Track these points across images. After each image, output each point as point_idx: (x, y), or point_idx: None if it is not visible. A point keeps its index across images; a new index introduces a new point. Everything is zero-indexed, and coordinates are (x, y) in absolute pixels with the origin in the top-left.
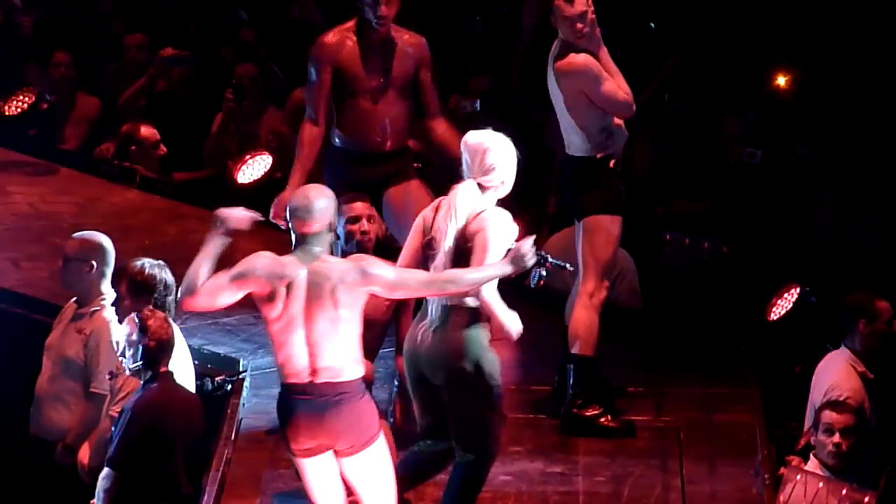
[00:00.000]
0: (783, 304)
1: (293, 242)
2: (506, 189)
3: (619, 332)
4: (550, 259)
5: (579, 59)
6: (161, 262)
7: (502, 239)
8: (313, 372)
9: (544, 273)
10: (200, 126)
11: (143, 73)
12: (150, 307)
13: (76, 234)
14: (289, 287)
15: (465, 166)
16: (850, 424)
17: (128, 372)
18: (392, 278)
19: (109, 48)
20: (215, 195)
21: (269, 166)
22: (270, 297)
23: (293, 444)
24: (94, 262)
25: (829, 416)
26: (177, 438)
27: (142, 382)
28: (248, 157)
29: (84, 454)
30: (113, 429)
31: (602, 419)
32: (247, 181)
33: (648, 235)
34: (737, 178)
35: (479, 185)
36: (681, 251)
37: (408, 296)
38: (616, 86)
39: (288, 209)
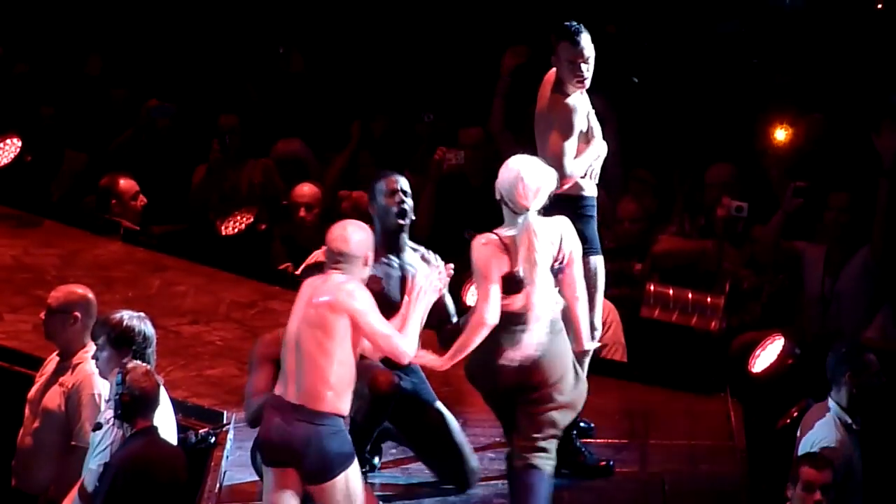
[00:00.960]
0: (766, 356)
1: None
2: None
3: (604, 384)
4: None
5: (568, 104)
6: (141, 314)
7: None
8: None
9: None
10: (182, 177)
11: (125, 125)
12: (136, 360)
13: (59, 287)
14: None
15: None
16: (830, 482)
17: (114, 424)
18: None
19: (95, 102)
20: (198, 247)
21: (251, 220)
22: None
23: (263, 450)
24: (77, 314)
25: (808, 472)
26: (161, 493)
27: (125, 436)
28: (237, 213)
29: None
30: (97, 484)
31: None
32: (231, 233)
33: (632, 287)
34: (723, 230)
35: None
36: (664, 303)
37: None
38: (574, 149)
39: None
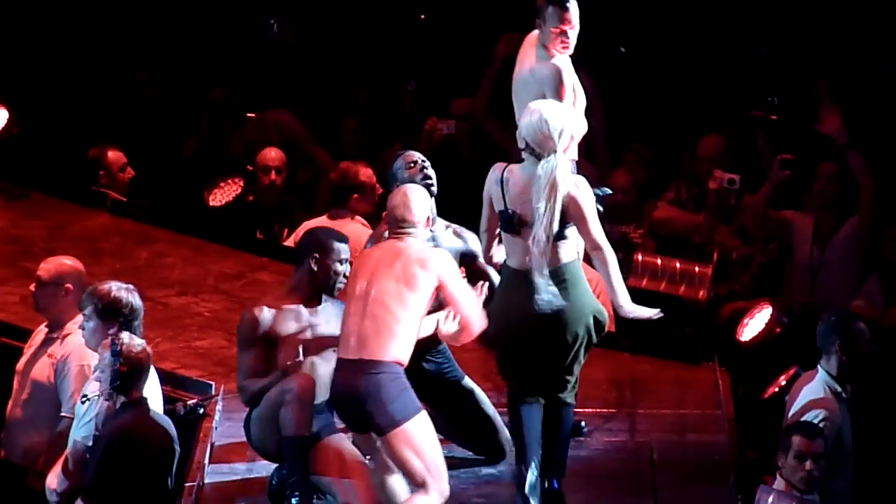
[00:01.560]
0: (754, 325)
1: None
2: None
3: (592, 354)
4: None
5: (555, 64)
6: (129, 285)
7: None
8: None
9: None
10: (171, 149)
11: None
12: (124, 331)
13: (48, 259)
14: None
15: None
16: (821, 451)
17: (101, 396)
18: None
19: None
20: (186, 218)
21: (240, 189)
22: None
23: (339, 415)
24: (69, 286)
25: (800, 441)
26: (152, 464)
27: (116, 407)
28: (221, 182)
29: (52, 479)
30: (87, 456)
31: None
32: (219, 204)
33: (621, 257)
34: (715, 202)
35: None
36: (653, 272)
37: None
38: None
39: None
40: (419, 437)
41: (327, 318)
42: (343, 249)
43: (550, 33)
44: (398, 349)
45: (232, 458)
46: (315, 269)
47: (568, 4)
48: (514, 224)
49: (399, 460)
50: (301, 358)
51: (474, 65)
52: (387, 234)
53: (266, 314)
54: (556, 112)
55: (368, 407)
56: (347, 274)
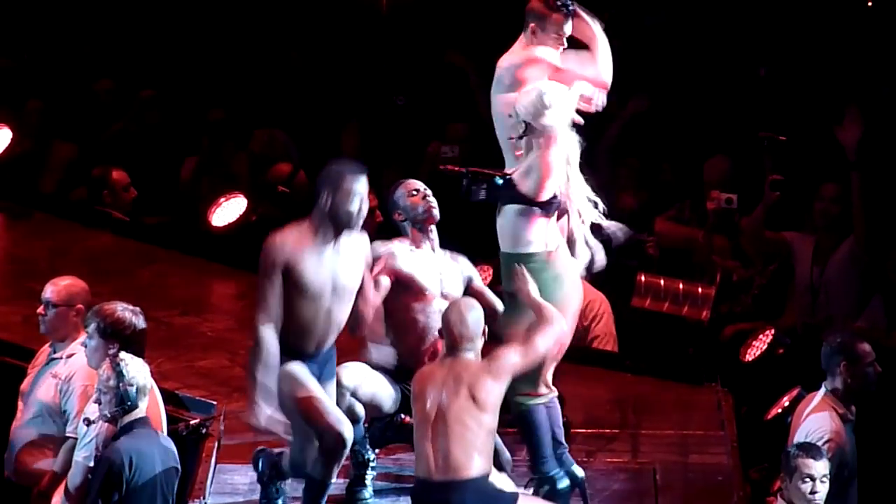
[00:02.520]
0: (758, 346)
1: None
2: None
3: (595, 374)
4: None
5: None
6: (136, 308)
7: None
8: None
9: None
10: (171, 169)
11: (113, 116)
12: (123, 351)
13: (56, 281)
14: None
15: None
16: (827, 473)
17: (103, 417)
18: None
19: (80, 94)
20: (189, 239)
21: (244, 209)
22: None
23: None
24: (81, 307)
25: (805, 463)
26: (156, 485)
27: (118, 428)
28: (221, 199)
29: (56, 500)
30: (88, 476)
31: None
32: (221, 224)
33: (623, 277)
34: (714, 222)
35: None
36: (655, 292)
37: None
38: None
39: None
40: None
41: (347, 257)
42: (357, 188)
43: (549, 38)
44: (485, 462)
45: (234, 477)
46: (328, 205)
47: (570, 18)
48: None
49: None
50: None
51: (468, 87)
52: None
53: (287, 245)
54: (555, 88)
55: None
56: (364, 212)
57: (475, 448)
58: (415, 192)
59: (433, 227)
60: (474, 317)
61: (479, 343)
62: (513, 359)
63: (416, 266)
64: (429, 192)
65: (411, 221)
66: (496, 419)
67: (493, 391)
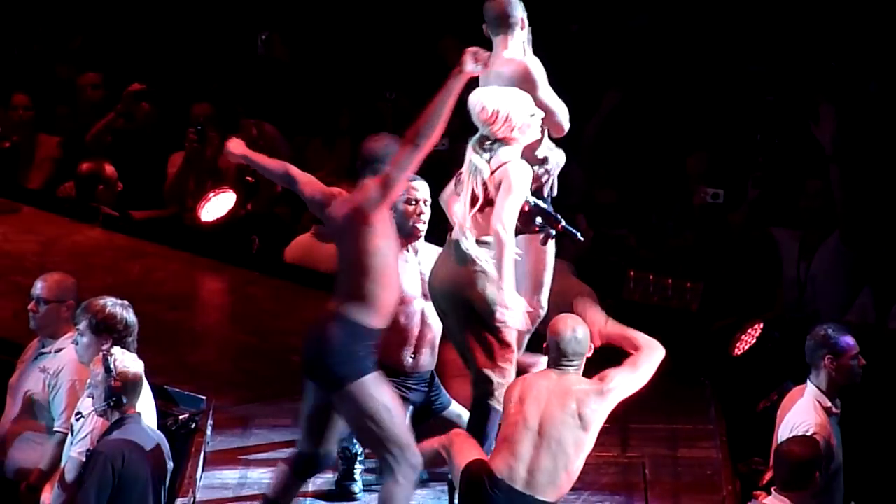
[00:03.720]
0: (747, 340)
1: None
2: (525, 136)
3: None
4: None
5: (526, 63)
6: (125, 302)
7: (520, 190)
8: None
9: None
10: (159, 164)
11: (97, 111)
12: (117, 347)
13: (46, 277)
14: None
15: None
16: (821, 458)
17: (95, 412)
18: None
19: (64, 89)
20: (178, 233)
21: (233, 203)
22: None
23: None
24: (72, 302)
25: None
26: (148, 480)
27: (110, 423)
28: (210, 194)
29: (46, 495)
30: (81, 471)
31: None
32: (210, 219)
33: (612, 272)
34: (701, 217)
35: (491, 138)
36: (645, 287)
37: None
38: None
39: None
40: None
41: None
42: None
43: (519, 34)
44: (567, 488)
45: (223, 472)
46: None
47: None
48: None
49: None
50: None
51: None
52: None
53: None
54: (492, 102)
55: None
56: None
57: (567, 475)
58: (413, 203)
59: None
60: (584, 333)
61: (584, 361)
62: (623, 381)
63: None
64: (427, 202)
65: (398, 225)
66: (593, 441)
67: (599, 411)
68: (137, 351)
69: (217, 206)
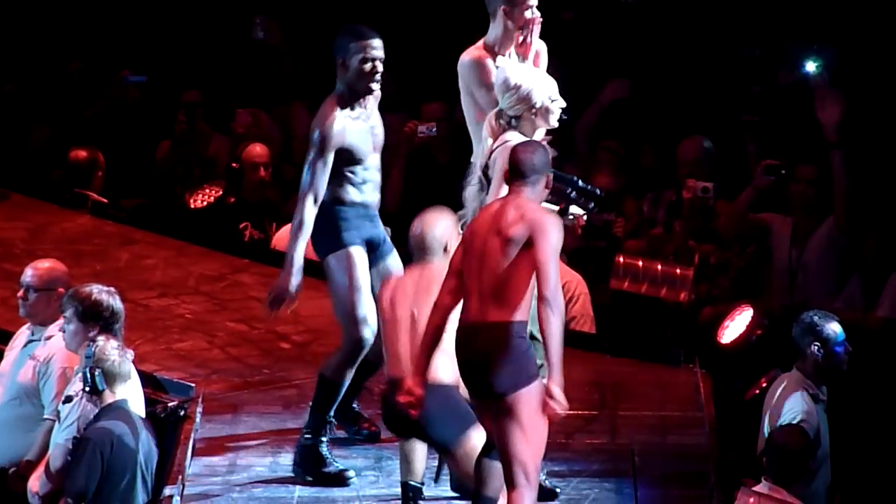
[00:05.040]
0: (736, 327)
1: None
2: (541, 119)
3: (573, 356)
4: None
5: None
6: (111, 288)
7: None
8: None
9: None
10: (148, 150)
11: (87, 97)
12: (103, 334)
13: (36, 264)
14: None
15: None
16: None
17: (83, 397)
18: None
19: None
20: (166, 220)
21: (219, 193)
22: None
23: None
24: (61, 290)
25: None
26: (136, 467)
27: (96, 410)
28: (206, 187)
29: (34, 482)
30: (67, 458)
31: None
32: (200, 205)
33: (602, 259)
34: (690, 211)
35: (508, 115)
36: (634, 275)
37: None
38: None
39: None
40: None
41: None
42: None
43: (511, 35)
44: (453, 367)
45: (212, 459)
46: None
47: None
48: None
49: None
50: None
51: (443, 66)
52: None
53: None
54: (512, 77)
55: None
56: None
57: (445, 352)
58: (369, 62)
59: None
60: (433, 227)
61: (444, 251)
62: None
63: None
64: (381, 61)
65: (352, 84)
66: None
67: None
68: (126, 338)
69: (207, 195)
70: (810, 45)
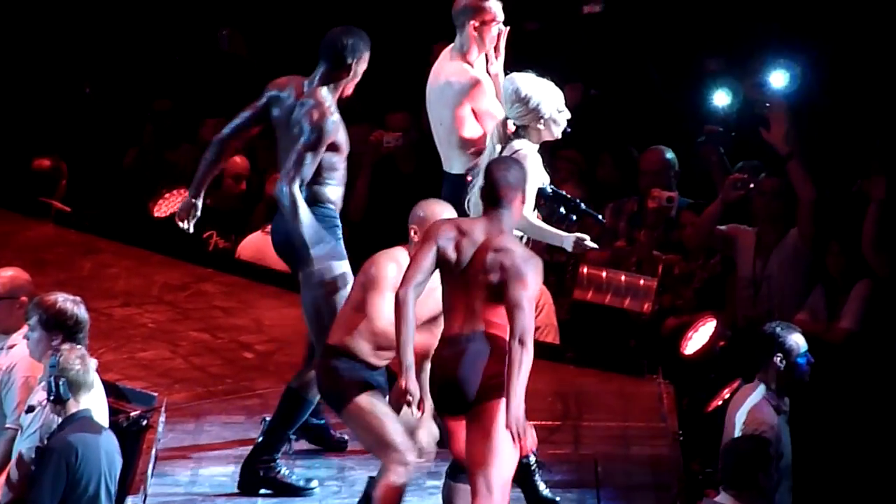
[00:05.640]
0: (699, 338)
1: None
2: (548, 130)
3: (536, 366)
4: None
5: (474, 72)
6: (77, 298)
7: (532, 175)
8: None
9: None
10: (114, 160)
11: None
12: (67, 343)
13: None
14: None
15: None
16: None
17: (46, 407)
18: None
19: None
20: (130, 229)
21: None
22: None
23: None
24: (24, 298)
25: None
26: (100, 477)
27: (60, 419)
28: (165, 192)
29: None
30: (31, 468)
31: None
32: (164, 215)
33: (565, 269)
34: (654, 220)
35: (515, 124)
36: (597, 285)
37: None
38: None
39: None
40: None
41: None
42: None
43: (481, 35)
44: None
45: (175, 469)
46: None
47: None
48: None
49: None
50: None
51: (406, 76)
52: None
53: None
54: (525, 89)
55: None
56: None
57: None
58: None
59: None
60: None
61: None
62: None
63: None
64: None
65: None
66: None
67: None
68: (89, 347)
69: (171, 203)
70: (777, 57)
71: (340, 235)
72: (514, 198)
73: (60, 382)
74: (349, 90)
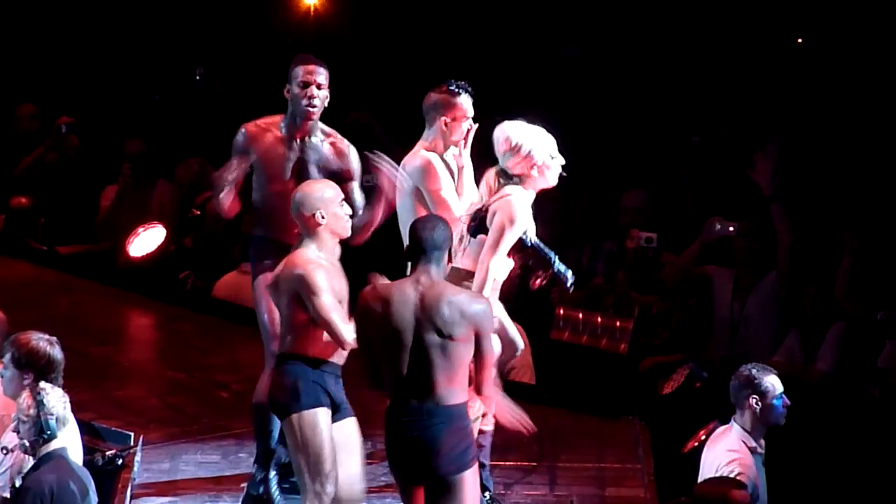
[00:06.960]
0: (675, 379)
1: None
2: (543, 178)
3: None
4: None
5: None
6: (53, 338)
7: (519, 222)
8: None
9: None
10: (89, 198)
11: (35, 143)
12: (44, 382)
13: None
14: None
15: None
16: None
17: (22, 447)
18: None
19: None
20: (106, 269)
21: (163, 238)
22: None
23: None
24: None
25: (738, 495)
26: None
27: (36, 458)
28: (140, 229)
29: None
30: None
31: None
32: (139, 254)
33: (542, 310)
34: (633, 260)
35: (506, 172)
36: (574, 326)
37: None
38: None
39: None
40: None
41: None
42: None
43: (452, 127)
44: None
45: None
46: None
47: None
48: None
49: None
50: None
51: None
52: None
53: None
54: (516, 138)
55: None
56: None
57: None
58: (304, 85)
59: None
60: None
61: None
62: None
63: None
64: (322, 83)
65: (292, 105)
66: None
67: None
68: (65, 385)
69: (146, 241)
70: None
71: None
72: (440, 256)
73: (49, 420)
74: None
